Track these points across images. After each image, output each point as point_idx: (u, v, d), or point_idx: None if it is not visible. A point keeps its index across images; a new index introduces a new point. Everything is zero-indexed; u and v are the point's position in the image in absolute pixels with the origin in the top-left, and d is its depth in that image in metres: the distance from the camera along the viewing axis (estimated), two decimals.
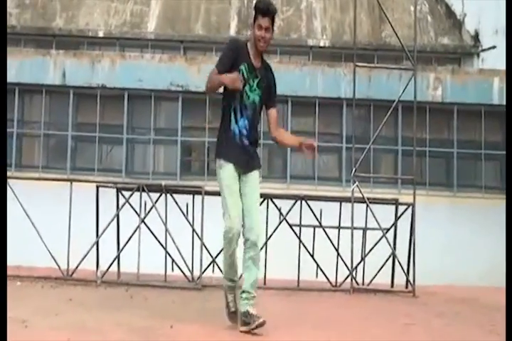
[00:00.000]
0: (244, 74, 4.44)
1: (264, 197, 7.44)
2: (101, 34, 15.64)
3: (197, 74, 11.94)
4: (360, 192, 7.56)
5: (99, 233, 7.15)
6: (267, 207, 7.36)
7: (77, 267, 6.96)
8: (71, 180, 7.45)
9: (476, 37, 15.19)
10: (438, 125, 12.19)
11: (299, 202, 7.51)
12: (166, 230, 7.13)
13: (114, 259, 7.19)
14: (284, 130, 4.81)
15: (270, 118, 4.68)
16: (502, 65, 12.44)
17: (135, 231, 7.09)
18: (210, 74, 4.50)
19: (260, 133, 11.90)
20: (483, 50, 14.86)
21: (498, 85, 11.83)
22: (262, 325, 4.34)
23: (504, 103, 11.78)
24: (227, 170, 4.46)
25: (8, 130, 10.69)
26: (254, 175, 4.56)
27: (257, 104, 4.55)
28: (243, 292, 4.48)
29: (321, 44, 15.77)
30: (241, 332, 4.39)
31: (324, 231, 7.50)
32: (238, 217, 4.37)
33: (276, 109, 4.68)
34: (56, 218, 7.50)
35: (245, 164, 4.52)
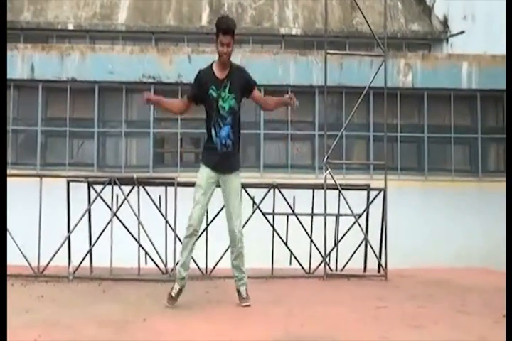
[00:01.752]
0: (214, 94, 5.12)
1: None
2: (70, 27, 15.51)
3: (169, 65, 11.90)
4: (333, 178, 7.59)
5: (71, 228, 7.09)
6: (240, 196, 7.36)
7: (48, 264, 6.89)
8: (41, 176, 7.37)
9: (445, 22, 15.32)
10: (409, 110, 12.29)
11: (272, 190, 7.51)
12: (139, 223, 7.10)
13: (86, 254, 7.14)
14: (268, 97, 5.58)
15: (257, 99, 5.39)
16: (470, 50, 12.61)
17: (107, 225, 7.05)
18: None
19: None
20: (452, 36, 14.99)
21: (467, 70, 11.96)
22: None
23: (473, 87, 11.94)
24: (204, 173, 5.19)
25: None
26: (233, 178, 5.25)
27: (234, 107, 5.15)
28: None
29: (293, 32, 15.80)
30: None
31: (297, 218, 7.53)
32: (199, 217, 5.12)
33: (256, 90, 5.33)
34: (27, 215, 7.45)
35: (224, 168, 5.20)
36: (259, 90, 5.39)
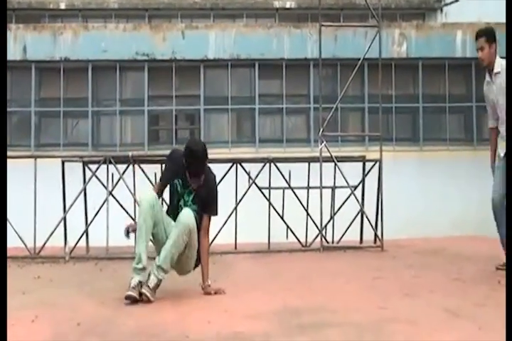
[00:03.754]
0: (178, 189, 4.67)
1: (233, 161, 7.46)
2: (63, 6, 15.37)
3: (162, 41, 11.82)
4: (328, 151, 7.58)
5: (67, 208, 7.10)
6: (236, 172, 7.37)
7: (44, 244, 6.91)
8: (35, 157, 7.37)
9: None
10: (403, 81, 12.21)
11: (267, 164, 7.51)
12: (135, 200, 7.10)
13: (82, 234, 7.17)
14: (206, 245, 4.81)
15: (201, 224, 4.72)
16: (464, 18, 12.48)
17: (103, 204, 7.06)
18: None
19: (228, 98, 11.85)
20: (446, 5, 14.86)
21: (461, 38, 11.87)
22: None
23: (467, 55, 11.86)
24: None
25: None
26: None
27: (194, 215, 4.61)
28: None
29: (287, 5, 15.67)
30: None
31: (293, 192, 7.53)
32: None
33: (208, 217, 4.75)
34: (22, 196, 7.46)
35: None
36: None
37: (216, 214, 4.82)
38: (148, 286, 4.42)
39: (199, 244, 4.69)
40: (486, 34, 5.42)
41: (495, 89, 5.43)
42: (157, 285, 4.45)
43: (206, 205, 4.71)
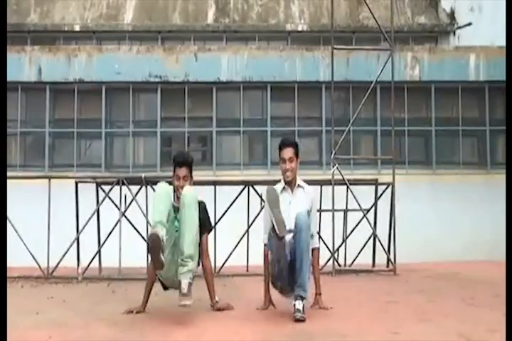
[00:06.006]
0: (172, 214, 4.71)
1: (245, 184, 7.47)
2: (77, 28, 15.55)
3: (175, 63, 11.93)
4: (341, 174, 7.59)
5: (80, 229, 7.13)
6: (248, 194, 7.38)
7: (57, 265, 6.93)
8: (49, 177, 7.42)
9: (451, 15, 15.22)
10: (416, 104, 12.22)
11: None
12: (147, 222, 7.12)
13: (95, 255, 7.18)
14: (209, 265, 4.99)
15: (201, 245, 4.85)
16: (477, 42, 12.51)
17: (115, 225, 7.08)
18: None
19: (240, 120, 11.88)
20: (459, 28, 14.89)
21: (474, 62, 11.88)
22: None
23: (481, 79, 11.87)
24: None
25: None
26: None
27: None
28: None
29: (299, 28, 15.76)
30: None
31: None
32: None
33: (205, 235, 4.92)
34: (36, 216, 7.49)
35: None
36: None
37: (211, 227, 5.05)
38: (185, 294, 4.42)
39: (202, 263, 4.85)
40: (294, 145, 4.94)
41: (292, 202, 4.88)
42: (190, 288, 4.46)
43: (201, 222, 4.81)
